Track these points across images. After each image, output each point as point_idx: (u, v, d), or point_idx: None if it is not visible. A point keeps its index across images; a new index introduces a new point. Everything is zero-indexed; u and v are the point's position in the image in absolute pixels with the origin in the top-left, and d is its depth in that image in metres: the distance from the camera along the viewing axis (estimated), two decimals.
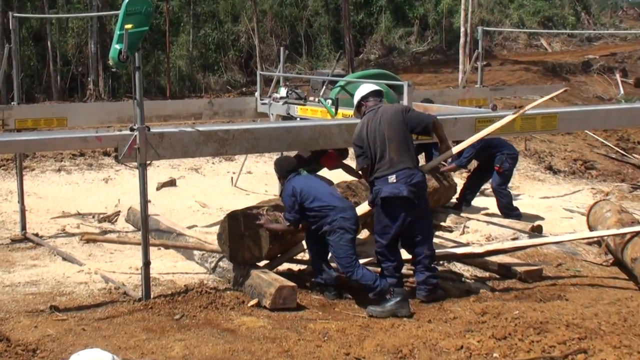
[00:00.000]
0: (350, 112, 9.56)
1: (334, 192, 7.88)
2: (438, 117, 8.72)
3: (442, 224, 10.52)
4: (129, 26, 6.65)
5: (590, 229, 9.81)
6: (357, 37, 39.52)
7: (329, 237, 7.39)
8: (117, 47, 6.71)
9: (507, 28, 40.74)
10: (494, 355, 5.93)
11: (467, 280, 8.24)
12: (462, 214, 10.87)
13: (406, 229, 7.45)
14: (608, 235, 8.83)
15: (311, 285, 7.78)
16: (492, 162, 11.09)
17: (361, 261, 7.65)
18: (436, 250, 8.45)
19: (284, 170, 7.92)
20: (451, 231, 10.31)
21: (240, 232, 7.62)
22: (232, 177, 13.55)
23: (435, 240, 9.30)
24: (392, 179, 7.30)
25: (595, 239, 9.42)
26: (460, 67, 27.75)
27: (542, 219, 11.30)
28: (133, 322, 6.68)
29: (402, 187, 7.28)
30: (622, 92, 31.42)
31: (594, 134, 19.43)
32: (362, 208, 8.02)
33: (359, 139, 7.58)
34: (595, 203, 10.24)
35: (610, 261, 9.01)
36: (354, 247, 7.46)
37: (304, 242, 8.04)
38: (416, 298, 7.51)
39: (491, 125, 8.49)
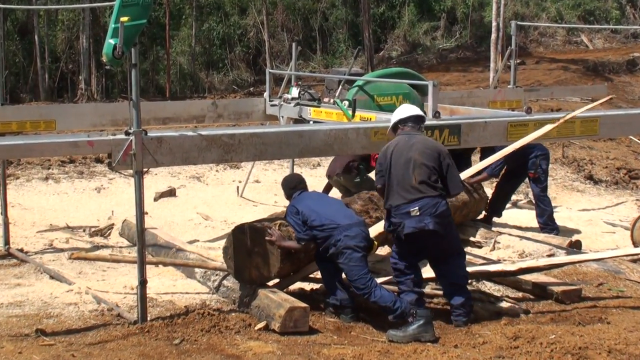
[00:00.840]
0: (368, 114, 9.60)
1: (340, 208, 7.88)
2: (468, 121, 8.81)
3: (471, 239, 10.49)
4: (124, 19, 6.68)
5: (635, 244, 9.80)
6: (378, 32, 39.60)
7: (338, 260, 7.43)
8: (112, 42, 6.73)
9: (544, 23, 40.73)
10: None
11: (497, 301, 8.21)
12: (492, 228, 10.86)
13: (431, 254, 7.55)
14: None
15: (325, 307, 7.78)
16: (524, 167, 11.11)
17: (379, 280, 7.65)
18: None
19: (287, 188, 8.05)
20: (480, 247, 10.30)
21: (248, 247, 7.63)
22: (237, 187, 13.58)
23: None
24: (414, 211, 7.24)
25: None
26: (492, 65, 27.74)
27: (581, 233, 11.29)
28: (128, 347, 6.68)
29: (427, 220, 7.24)
30: None
31: (639, 140, 19.39)
32: (377, 229, 8.04)
33: (383, 155, 7.55)
34: None
35: None
36: (367, 265, 7.47)
37: None
38: (452, 323, 7.50)
39: (529, 134, 8.49)
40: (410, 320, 7.14)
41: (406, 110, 7.82)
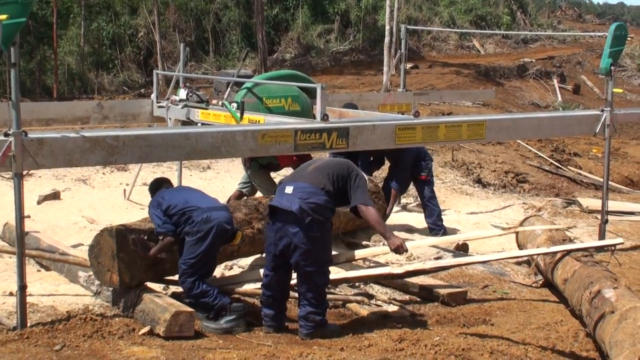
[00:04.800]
0: (257, 117, 9.61)
1: (203, 196, 7.88)
2: (357, 124, 8.88)
3: (363, 242, 10.57)
4: (2, 17, 6.54)
5: (520, 247, 10.02)
6: (271, 34, 39.69)
7: (187, 237, 7.44)
8: None
9: (437, 27, 41.45)
10: None
11: (384, 304, 8.32)
12: None
13: (292, 253, 7.24)
14: (538, 255, 9.03)
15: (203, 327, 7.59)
16: (414, 171, 11.40)
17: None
18: (352, 271, 8.55)
19: (154, 190, 8.04)
20: (406, 251, 10.35)
21: (114, 251, 7.55)
22: (125, 190, 13.43)
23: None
24: (289, 189, 7.25)
25: (525, 258, 9.63)
26: (385, 69, 28.11)
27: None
28: (6, 354, 6.53)
29: (294, 201, 7.15)
30: (560, 99, 32.29)
31: (527, 144, 19.90)
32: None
33: None
34: (525, 219, 10.46)
35: (540, 282, 9.23)
36: (209, 254, 7.49)
37: None
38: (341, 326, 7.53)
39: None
40: (224, 314, 7.29)
41: None
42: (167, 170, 14.38)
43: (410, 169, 11.47)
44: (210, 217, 7.44)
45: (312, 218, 7.11)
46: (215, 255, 7.68)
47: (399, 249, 7.62)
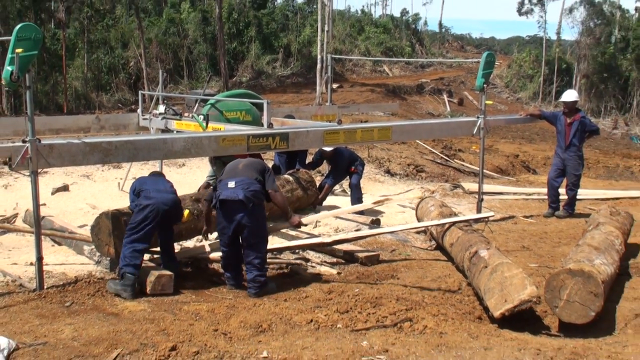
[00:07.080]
0: (218, 125, 9.55)
1: (158, 184, 7.55)
2: (295, 130, 8.86)
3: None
4: (19, 50, 6.44)
5: (418, 220, 10.10)
6: (231, 62, 39.55)
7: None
8: (9, 68, 6.49)
9: (356, 56, 41.65)
10: (338, 326, 6.03)
11: (318, 265, 8.35)
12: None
13: (241, 231, 7.22)
14: (431, 225, 9.12)
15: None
16: (347, 169, 11.61)
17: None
18: (293, 241, 8.56)
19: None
20: (305, 225, 10.37)
21: (110, 229, 7.48)
22: (119, 183, 13.26)
23: (292, 232, 9.44)
24: (231, 184, 7.19)
25: (422, 228, 9.70)
26: (318, 88, 28.17)
27: (381, 213, 11.59)
28: (27, 310, 6.44)
29: (239, 192, 7.13)
30: (448, 109, 32.70)
31: (424, 143, 20.09)
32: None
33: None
34: (422, 199, 10.54)
35: (433, 246, 9.31)
36: (141, 232, 7.16)
37: None
38: (284, 286, 7.42)
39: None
40: (119, 280, 7.05)
41: None
42: (152, 168, 14.20)
43: (344, 171, 11.63)
44: (150, 196, 7.28)
45: (253, 203, 7.14)
46: (151, 232, 7.28)
47: (299, 225, 8.02)
